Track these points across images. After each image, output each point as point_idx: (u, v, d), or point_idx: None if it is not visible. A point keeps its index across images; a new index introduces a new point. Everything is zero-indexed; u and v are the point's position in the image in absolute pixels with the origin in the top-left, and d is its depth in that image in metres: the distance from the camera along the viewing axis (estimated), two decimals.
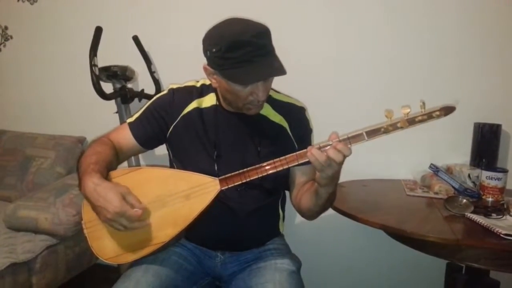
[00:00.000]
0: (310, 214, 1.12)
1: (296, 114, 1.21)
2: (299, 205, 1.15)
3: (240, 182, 1.01)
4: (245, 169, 1.00)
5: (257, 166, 1.00)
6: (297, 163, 0.97)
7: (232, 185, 1.01)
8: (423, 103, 0.93)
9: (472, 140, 1.53)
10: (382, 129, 0.94)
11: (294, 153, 0.97)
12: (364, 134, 0.94)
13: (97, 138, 1.16)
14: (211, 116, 1.16)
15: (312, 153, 0.90)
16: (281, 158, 0.98)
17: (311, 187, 1.07)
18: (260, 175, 0.99)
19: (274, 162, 0.98)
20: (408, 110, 0.93)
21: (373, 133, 0.94)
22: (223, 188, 1.02)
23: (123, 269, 1.24)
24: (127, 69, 1.82)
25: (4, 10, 2.28)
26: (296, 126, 1.20)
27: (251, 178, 1.00)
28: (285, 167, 0.98)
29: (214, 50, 1.00)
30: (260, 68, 0.98)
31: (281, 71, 0.99)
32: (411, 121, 0.94)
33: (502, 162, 1.53)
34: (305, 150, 0.94)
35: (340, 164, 0.90)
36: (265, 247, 1.22)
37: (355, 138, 0.94)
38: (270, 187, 1.17)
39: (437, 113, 0.93)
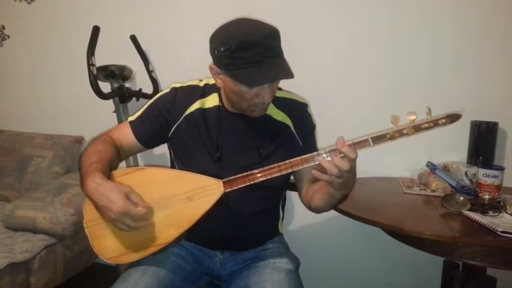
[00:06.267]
0: (321, 211, 1.12)
1: (299, 111, 1.20)
2: (309, 203, 1.14)
3: (244, 185, 1.00)
4: (249, 172, 0.99)
5: (262, 169, 0.99)
6: (301, 167, 0.96)
7: (236, 187, 1.00)
8: (429, 110, 0.92)
9: (469, 138, 1.54)
10: (388, 136, 0.93)
11: (299, 157, 0.96)
12: (370, 140, 0.92)
13: (97, 136, 1.14)
14: (214, 117, 1.15)
15: (324, 165, 0.89)
16: (286, 162, 0.97)
17: (323, 188, 1.05)
18: (264, 178, 0.98)
19: (278, 166, 0.98)
20: (414, 117, 0.92)
21: (379, 139, 0.93)
22: (227, 191, 1.01)
23: (122, 269, 1.24)
24: (124, 68, 1.82)
25: (1, 9, 2.27)
26: (299, 123, 1.18)
27: (256, 181, 0.99)
28: (289, 170, 0.97)
29: (222, 49, 0.98)
30: (268, 71, 0.97)
31: (288, 74, 0.97)
32: (417, 128, 0.92)
33: (499, 160, 1.53)
34: (310, 154, 0.94)
35: (349, 171, 0.89)
36: (264, 247, 1.22)
37: (361, 143, 0.92)
38: (271, 185, 1.15)
39: (443, 120, 0.92)
